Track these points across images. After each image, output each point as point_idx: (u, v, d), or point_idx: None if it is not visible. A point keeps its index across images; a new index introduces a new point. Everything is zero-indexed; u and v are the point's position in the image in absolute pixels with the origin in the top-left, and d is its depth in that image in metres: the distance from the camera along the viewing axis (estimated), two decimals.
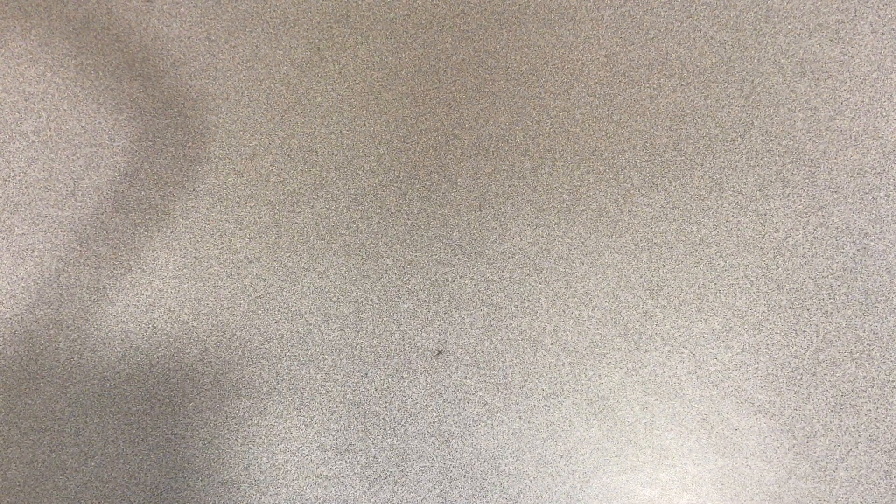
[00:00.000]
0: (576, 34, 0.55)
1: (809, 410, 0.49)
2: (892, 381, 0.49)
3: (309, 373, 0.50)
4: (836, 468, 0.48)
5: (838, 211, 0.52)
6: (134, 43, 0.55)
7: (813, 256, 0.51)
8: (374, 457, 0.49)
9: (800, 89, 0.54)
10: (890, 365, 0.49)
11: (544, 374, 0.50)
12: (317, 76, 0.54)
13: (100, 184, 0.53)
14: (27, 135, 0.53)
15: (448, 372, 0.50)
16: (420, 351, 0.51)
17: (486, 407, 0.50)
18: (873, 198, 0.52)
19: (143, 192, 0.53)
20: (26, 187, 0.52)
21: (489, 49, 0.55)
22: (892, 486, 0.47)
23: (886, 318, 0.50)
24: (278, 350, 0.50)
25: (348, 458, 0.49)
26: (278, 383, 0.50)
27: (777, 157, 0.53)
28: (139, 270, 0.51)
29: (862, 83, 0.54)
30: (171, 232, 0.52)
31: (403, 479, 0.49)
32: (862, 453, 0.48)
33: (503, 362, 0.50)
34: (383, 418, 0.49)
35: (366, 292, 0.51)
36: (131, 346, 0.50)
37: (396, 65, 0.55)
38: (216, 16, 0.55)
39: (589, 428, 0.49)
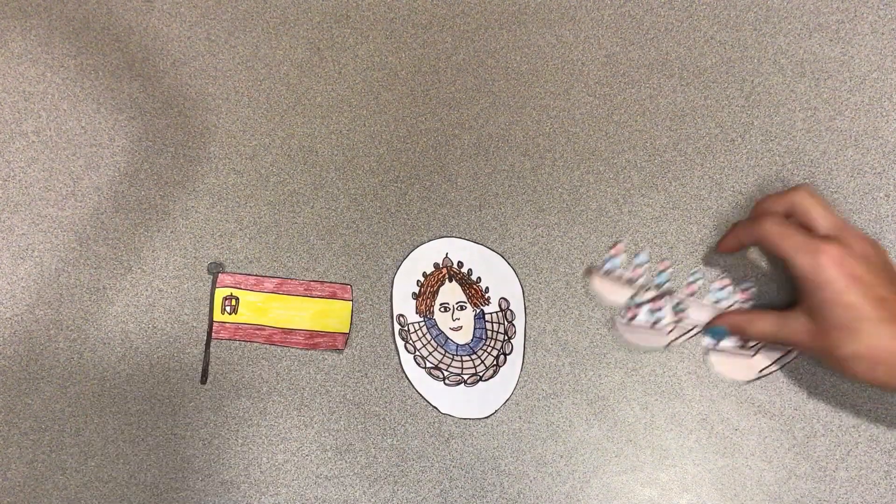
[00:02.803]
0: (576, 34, 0.55)
1: (809, 410, 0.49)
2: None
3: (309, 373, 0.50)
4: (836, 468, 0.48)
5: (838, 211, 0.52)
6: (134, 43, 0.55)
7: None
8: (374, 457, 0.49)
9: (800, 89, 0.54)
10: None
11: (544, 374, 0.50)
12: (317, 76, 0.54)
13: (100, 184, 0.53)
14: (27, 135, 0.53)
15: None
16: None
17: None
18: (873, 198, 0.52)
19: (143, 192, 0.53)
20: (26, 187, 0.52)
21: (489, 49, 0.55)
22: (892, 486, 0.47)
23: None
24: (278, 350, 0.50)
25: (348, 458, 0.49)
26: (278, 383, 0.50)
27: (777, 157, 0.53)
28: (139, 270, 0.51)
29: (862, 83, 0.54)
30: (171, 232, 0.52)
31: (403, 479, 0.49)
32: (862, 453, 0.48)
33: None
34: (383, 418, 0.49)
35: (366, 293, 0.51)
36: (131, 346, 0.50)
37: (396, 65, 0.55)
38: (216, 16, 0.55)
39: (589, 428, 0.49)
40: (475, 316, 0.50)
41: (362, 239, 0.52)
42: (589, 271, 0.50)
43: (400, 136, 0.53)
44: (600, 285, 0.49)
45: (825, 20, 0.55)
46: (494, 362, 0.49)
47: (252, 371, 0.50)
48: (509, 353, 0.49)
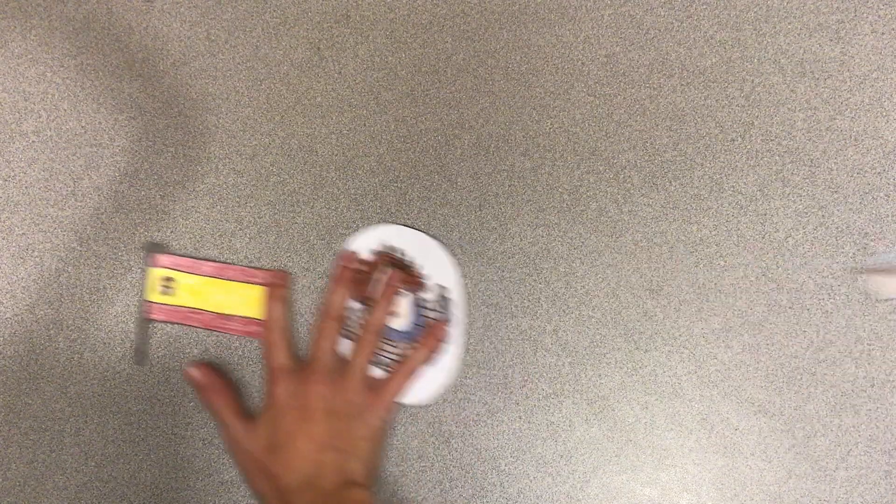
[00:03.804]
0: (576, 34, 0.55)
1: (809, 410, 0.49)
2: (892, 381, 0.49)
3: None
4: (836, 468, 0.48)
5: (838, 211, 0.52)
6: (134, 43, 0.55)
7: (813, 256, 0.51)
8: None
9: (800, 89, 0.54)
10: (890, 365, 0.49)
11: (544, 374, 0.50)
12: (317, 76, 0.54)
13: (100, 184, 0.53)
14: (27, 135, 0.53)
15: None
16: None
17: (486, 407, 0.50)
18: (873, 198, 0.52)
19: (143, 192, 0.53)
20: (26, 187, 0.52)
21: (489, 49, 0.55)
22: (892, 486, 0.47)
23: (886, 318, 0.50)
24: None
25: None
26: None
27: (777, 157, 0.53)
28: (139, 270, 0.51)
29: (862, 83, 0.54)
30: (171, 232, 0.52)
31: (403, 479, 0.49)
32: (862, 453, 0.48)
33: (503, 362, 0.50)
34: None
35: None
36: (131, 346, 0.50)
37: (396, 65, 0.55)
38: (216, 16, 0.55)
39: (589, 428, 0.49)
40: (413, 303, 0.50)
41: None
42: (862, 270, 0.48)
43: (400, 136, 0.53)
44: (880, 281, 0.48)
45: (825, 20, 0.55)
46: (437, 350, 0.49)
47: (252, 371, 0.50)
48: (449, 341, 0.50)
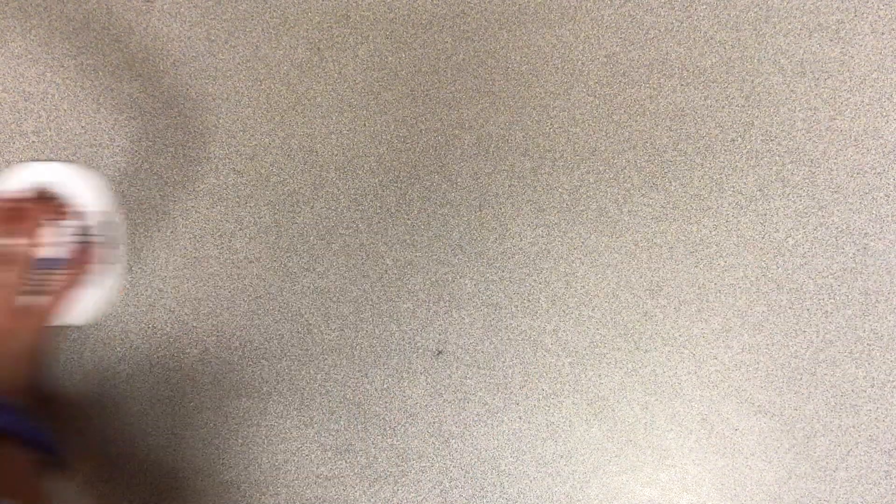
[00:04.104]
0: (576, 34, 0.55)
1: (809, 410, 0.49)
2: (892, 381, 0.49)
3: (309, 373, 0.50)
4: (836, 468, 0.48)
5: (838, 211, 0.52)
6: (134, 43, 0.55)
7: (813, 256, 0.51)
8: (374, 457, 0.49)
9: (800, 89, 0.54)
10: (890, 365, 0.49)
11: (544, 374, 0.50)
12: (317, 76, 0.54)
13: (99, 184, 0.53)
14: (27, 135, 0.53)
15: (448, 372, 0.50)
16: (420, 351, 0.51)
17: (486, 407, 0.50)
18: (873, 198, 0.52)
19: (143, 192, 0.53)
20: None
21: (489, 49, 0.55)
22: (892, 486, 0.47)
23: (886, 318, 0.50)
24: (278, 350, 0.50)
25: (348, 458, 0.49)
26: (278, 383, 0.50)
27: (777, 157, 0.53)
28: (139, 270, 0.51)
29: (862, 83, 0.54)
30: (171, 232, 0.52)
31: (403, 479, 0.49)
32: (862, 453, 0.48)
33: (503, 362, 0.50)
34: (383, 418, 0.49)
35: (366, 292, 0.51)
36: (131, 346, 0.50)
37: (396, 65, 0.55)
38: (216, 16, 0.55)
39: (589, 428, 0.49)
40: (65, 231, 0.50)
41: (362, 239, 0.52)
42: None
43: (400, 136, 0.53)
44: None
45: (825, 20, 0.55)
46: (89, 273, 0.50)
47: (252, 371, 0.50)
48: (107, 262, 0.50)
